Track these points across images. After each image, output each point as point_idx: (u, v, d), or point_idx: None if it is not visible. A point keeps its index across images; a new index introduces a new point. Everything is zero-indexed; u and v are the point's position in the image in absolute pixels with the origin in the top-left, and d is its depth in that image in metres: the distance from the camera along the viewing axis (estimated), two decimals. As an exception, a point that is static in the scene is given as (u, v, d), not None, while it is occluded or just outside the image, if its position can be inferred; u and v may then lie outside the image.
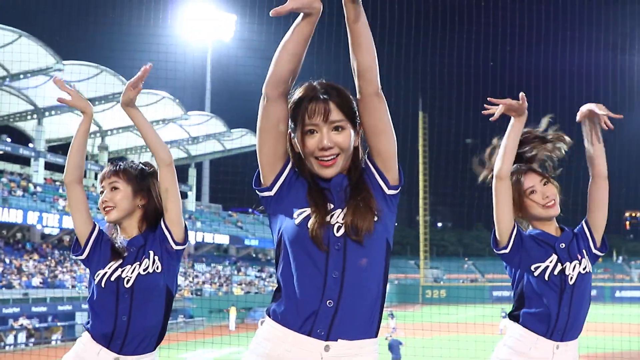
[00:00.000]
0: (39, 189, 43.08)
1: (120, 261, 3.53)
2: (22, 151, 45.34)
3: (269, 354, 2.43)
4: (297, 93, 2.51)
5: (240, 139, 57.15)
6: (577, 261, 3.62)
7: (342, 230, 2.43)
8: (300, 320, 2.39)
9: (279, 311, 2.45)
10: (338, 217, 2.45)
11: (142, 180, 3.73)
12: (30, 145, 46.73)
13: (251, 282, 49.96)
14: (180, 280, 45.01)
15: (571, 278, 3.57)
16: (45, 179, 46.34)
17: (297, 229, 2.44)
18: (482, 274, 77.26)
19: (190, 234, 51.68)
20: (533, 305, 3.61)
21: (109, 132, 50.93)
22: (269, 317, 2.49)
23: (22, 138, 48.93)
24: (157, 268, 3.55)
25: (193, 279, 46.94)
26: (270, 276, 53.49)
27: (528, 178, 3.71)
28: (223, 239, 54.31)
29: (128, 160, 3.93)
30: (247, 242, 55.98)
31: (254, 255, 61.65)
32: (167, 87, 48.11)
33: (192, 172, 59.83)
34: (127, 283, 3.49)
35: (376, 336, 2.51)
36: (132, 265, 3.53)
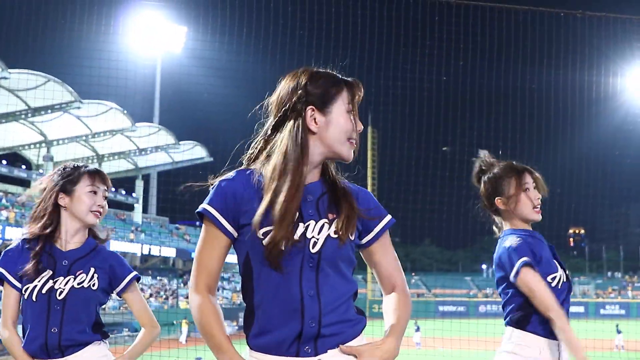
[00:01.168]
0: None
1: (51, 273, 3.46)
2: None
3: None
4: (326, 72, 2.49)
5: (189, 151, 56.81)
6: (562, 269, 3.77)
7: (317, 246, 2.33)
8: (284, 347, 2.30)
9: (259, 342, 2.34)
10: (313, 230, 2.35)
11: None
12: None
13: (198, 296, 49.59)
14: (126, 293, 44.41)
15: (562, 283, 3.74)
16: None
17: (265, 249, 2.30)
18: (429, 289, 77.89)
19: (137, 246, 51.26)
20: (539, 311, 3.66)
21: (55, 143, 50.19)
22: (250, 349, 2.37)
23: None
24: (93, 285, 3.51)
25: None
26: (217, 290, 53.04)
27: (526, 176, 3.80)
28: (170, 252, 53.78)
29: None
30: (194, 255, 55.46)
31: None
32: (115, 98, 47.65)
33: (140, 184, 59.22)
34: (59, 295, 3.43)
35: (361, 332, 2.44)
36: (65, 278, 3.47)
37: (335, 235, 2.36)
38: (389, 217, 2.58)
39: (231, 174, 2.44)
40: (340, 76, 2.48)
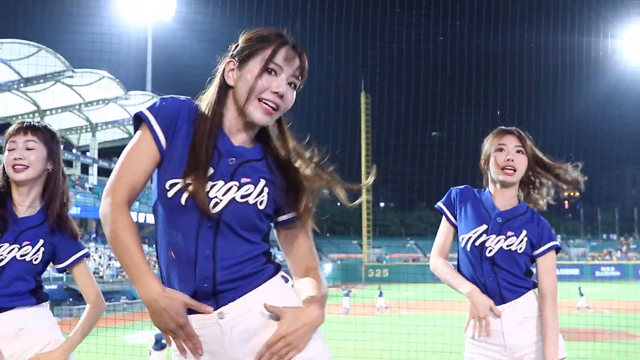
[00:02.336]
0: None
1: None
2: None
3: (178, 346, 2.27)
4: (269, 30, 2.35)
5: (183, 119, 56.59)
6: (503, 236, 3.67)
7: (218, 208, 2.23)
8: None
9: None
10: (218, 191, 2.25)
11: (55, 145, 3.58)
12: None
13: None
14: (123, 262, 44.55)
15: (490, 250, 3.67)
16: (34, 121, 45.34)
17: (168, 201, 2.24)
18: (424, 254, 78.19)
19: (132, 214, 51.62)
20: (463, 273, 3.79)
21: (48, 112, 49.99)
22: None
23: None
24: (36, 260, 3.44)
25: (135, 260, 46.49)
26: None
27: (506, 137, 3.73)
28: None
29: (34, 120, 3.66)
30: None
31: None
32: (107, 66, 47.43)
33: (134, 153, 59.07)
34: None
35: (271, 277, 2.34)
36: (10, 245, 3.39)
37: (242, 200, 2.26)
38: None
39: (182, 97, 2.40)
40: (283, 36, 2.34)
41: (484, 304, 3.62)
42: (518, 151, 3.69)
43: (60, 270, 3.60)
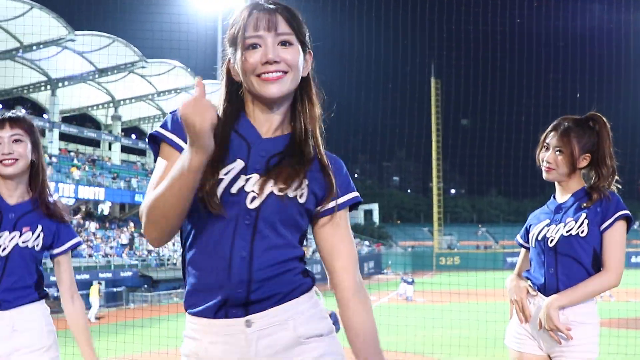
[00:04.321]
0: (54, 159, 43.25)
1: None
2: (37, 122, 45.19)
3: (197, 353, 2.13)
4: (237, 11, 2.19)
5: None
6: (562, 224, 3.65)
7: (257, 202, 2.08)
8: (213, 310, 2.09)
9: (190, 302, 2.15)
10: (254, 184, 2.09)
11: (36, 134, 3.54)
12: (45, 116, 46.84)
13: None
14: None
15: (551, 240, 3.65)
16: (60, 149, 46.52)
17: (200, 201, 2.05)
18: (496, 241, 77.40)
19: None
20: (531, 268, 3.82)
21: (122, 102, 50.98)
22: (185, 310, 2.18)
23: (36, 109, 49.07)
24: (37, 245, 3.43)
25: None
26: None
27: (551, 136, 3.73)
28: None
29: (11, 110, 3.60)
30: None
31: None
32: (179, 57, 48.00)
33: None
34: (2, 251, 3.36)
35: (308, 291, 2.18)
36: (10, 233, 3.37)
37: (281, 193, 2.09)
38: (354, 194, 2.29)
39: None
40: (249, 7, 2.16)
41: (518, 287, 3.71)
42: (558, 151, 3.68)
43: (52, 256, 3.57)
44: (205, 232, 2.09)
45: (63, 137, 47.59)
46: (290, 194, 2.11)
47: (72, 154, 47.04)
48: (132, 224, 42.94)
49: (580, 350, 3.55)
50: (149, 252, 38.96)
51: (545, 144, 3.74)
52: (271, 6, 2.13)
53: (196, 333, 2.13)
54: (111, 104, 51.22)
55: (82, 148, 50.46)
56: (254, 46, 2.10)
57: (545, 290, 3.62)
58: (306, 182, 2.15)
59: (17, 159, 3.38)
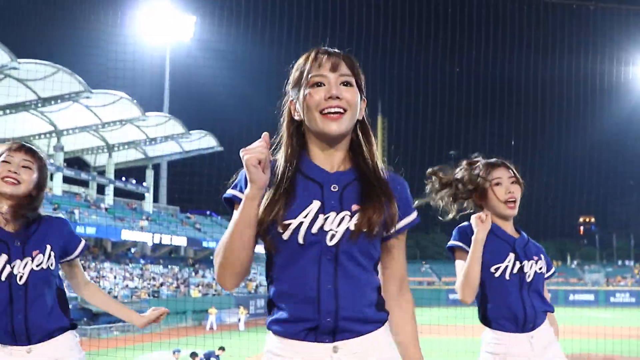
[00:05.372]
0: None
1: (6, 257, 3.37)
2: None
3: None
4: (302, 56, 2.42)
5: (199, 141, 56.82)
6: (533, 261, 3.73)
7: (335, 239, 2.29)
8: (303, 335, 2.30)
9: (279, 329, 2.35)
10: (332, 222, 2.30)
11: (44, 174, 3.63)
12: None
13: (209, 284, 49.70)
14: (137, 282, 44.62)
15: (529, 276, 3.69)
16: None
17: (285, 243, 2.30)
18: (439, 277, 77.92)
19: (147, 235, 51.36)
20: (497, 307, 3.70)
21: (65, 132, 50.31)
22: (272, 333, 2.38)
23: (-25, 137, 48.15)
24: (52, 265, 3.45)
25: (150, 280, 46.56)
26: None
27: (498, 170, 3.77)
28: (180, 241, 53.90)
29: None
30: (204, 244, 55.56)
31: (211, 257, 61.20)
32: (125, 88, 47.79)
33: (150, 174, 59.35)
34: (20, 280, 3.36)
35: (384, 324, 2.41)
36: (22, 261, 3.38)
37: (355, 229, 2.30)
38: (415, 214, 2.52)
39: None
40: (314, 50, 2.41)
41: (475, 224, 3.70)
42: (513, 182, 3.75)
43: (63, 262, 3.63)
44: (293, 269, 2.31)
45: (3, 166, 46.71)
46: (365, 229, 2.30)
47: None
48: (72, 256, 42.11)
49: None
50: (89, 285, 38.21)
51: (496, 180, 3.76)
52: (336, 50, 2.39)
53: (284, 352, 2.33)
54: (54, 134, 50.51)
55: (22, 178, 49.47)
56: (318, 84, 2.33)
57: (526, 323, 3.66)
58: (372, 208, 2.34)
59: (19, 182, 3.45)
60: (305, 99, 2.33)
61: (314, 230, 2.28)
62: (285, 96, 2.47)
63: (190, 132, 54.66)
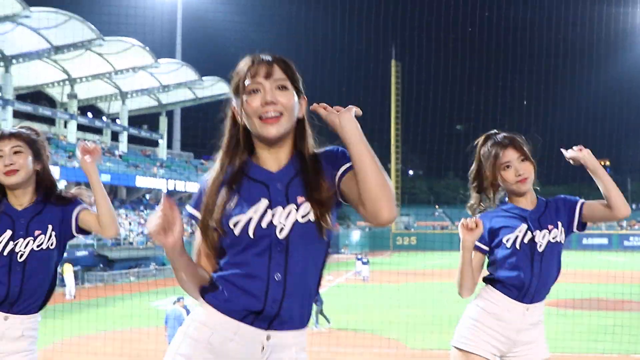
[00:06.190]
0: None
1: (11, 233, 3.55)
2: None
3: (209, 341, 2.44)
4: (239, 64, 2.52)
5: (212, 87, 56.75)
6: (546, 230, 3.79)
7: (285, 232, 2.41)
8: (241, 315, 2.42)
9: (219, 299, 2.45)
10: (280, 216, 2.42)
11: (37, 145, 3.73)
12: (-2, 93, 46.08)
13: (223, 231, 49.93)
14: (152, 228, 44.95)
15: (540, 246, 3.76)
16: (14, 127, 45.73)
17: (237, 238, 2.42)
18: (452, 221, 78.08)
19: (162, 182, 51.57)
20: (507, 272, 3.80)
21: (78, 80, 50.31)
22: (206, 302, 2.48)
23: (-11, 86, 48.21)
24: (52, 244, 3.61)
25: (165, 227, 46.90)
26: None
27: (507, 153, 3.81)
28: (195, 187, 54.04)
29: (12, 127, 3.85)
30: (218, 190, 55.61)
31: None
32: (137, 35, 47.60)
33: (163, 120, 59.42)
34: (20, 257, 3.55)
35: (306, 327, 2.56)
36: (24, 239, 3.56)
37: (304, 220, 2.42)
38: (348, 164, 2.49)
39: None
40: (250, 57, 2.50)
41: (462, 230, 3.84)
42: (522, 160, 3.80)
43: (78, 231, 3.74)
44: (245, 259, 2.43)
45: (17, 114, 46.83)
46: (312, 218, 2.42)
47: (26, 132, 46.25)
48: (88, 203, 42.46)
49: (543, 348, 3.85)
50: (106, 231, 38.59)
51: (505, 164, 3.81)
52: (268, 58, 2.47)
53: (219, 326, 2.44)
54: (67, 82, 50.51)
55: (36, 126, 49.58)
56: (254, 91, 2.43)
57: (525, 295, 3.77)
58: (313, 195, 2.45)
59: (17, 170, 3.58)
60: (243, 107, 2.45)
61: (264, 224, 2.40)
62: (229, 102, 2.59)
63: (203, 78, 54.53)
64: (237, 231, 2.40)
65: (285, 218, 2.41)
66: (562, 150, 3.83)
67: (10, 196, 3.66)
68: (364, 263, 34.54)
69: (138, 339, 16.10)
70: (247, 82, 2.44)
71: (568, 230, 3.87)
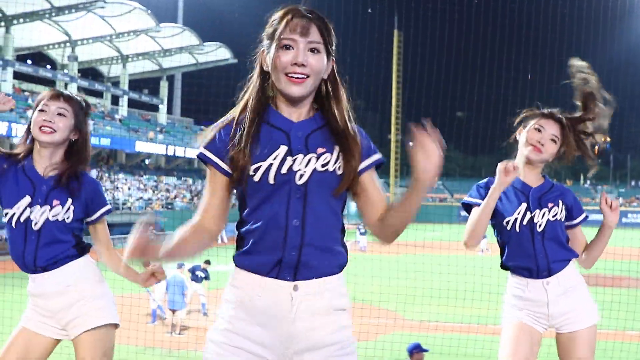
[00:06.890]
0: (7, 98, 42.41)
1: (30, 199, 3.55)
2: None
3: (242, 301, 2.50)
4: (279, 11, 2.50)
5: (214, 53, 56.52)
6: (546, 209, 3.82)
7: (304, 178, 2.45)
8: (267, 268, 2.46)
9: (245, 261, 2.51)
10: (300, 163, 2.46)
11: (83, 116, 3.74)
12: (-2, 53, 45.83)
13: (222, 197, 50.03)
14: (150, 193, 45.05)
15: (540, 225, 3.80)
16: (14, 88, 45.65)
17: (257, 185, 2.46)
18: (451, 194, 78.21)
19: (161, 147, 51.57)
20: (513, 258, 3.87)
21: (79, 42, 50.06)
22: (236, 266, 2.55)
23: (-11, 46, 47.93)
24: (68, 218, 3.60)
25: (164, 192, 46.98)
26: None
27: (548, 122, 3.83)
28: (195, 153, 53.95)
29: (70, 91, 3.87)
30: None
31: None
32: (139, -2, 47.17)
33: (164, 85, 59.26)
34: (34, 225, 3.55)
35: (340, 271, 2.58)
36: (41, 207, 3.56)
37: (323, 169, 2.46)
38: (378, 155, 2.64)
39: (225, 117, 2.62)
40: (292, 10, 2.48)
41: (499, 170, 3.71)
42: (552, 140, 3.80)
43: (87, 223, 3.76)
44: (264, 207, 2.46)
45: (17, 76, 46.66)
46: (330, 168, 2.47)
47: (26, 93, 46.18)
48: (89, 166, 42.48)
49: (586, 315, 3.85)
50: (104, 195, 38.64)
51: (538, 125, 3.81)
52: (308, 14, 2.46)
53: (245, 285, 2.50)
54: (68, 44, 50.25)
55: (37, 88, 49.54)
56: (287, 47, 2.43)
57: (539, 273, 3.80)
58: (342, 154, 2.50)
59: (55, 130, 3.57)
60: (273, 59, 2.45)
61: (284, 170, 2.44)
62: (260, 45, 2.57)
63: (205, 43, 54.28)
64: (257, 177, 2.44)
65: (306, 165, 2.45)
66: (605, 194, 3.92)
67: (35, 155, 3.64)
68: (361, 233, 34.73)
69: (137, 304, 16.16)
70: (282, 35, 2.43)
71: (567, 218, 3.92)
